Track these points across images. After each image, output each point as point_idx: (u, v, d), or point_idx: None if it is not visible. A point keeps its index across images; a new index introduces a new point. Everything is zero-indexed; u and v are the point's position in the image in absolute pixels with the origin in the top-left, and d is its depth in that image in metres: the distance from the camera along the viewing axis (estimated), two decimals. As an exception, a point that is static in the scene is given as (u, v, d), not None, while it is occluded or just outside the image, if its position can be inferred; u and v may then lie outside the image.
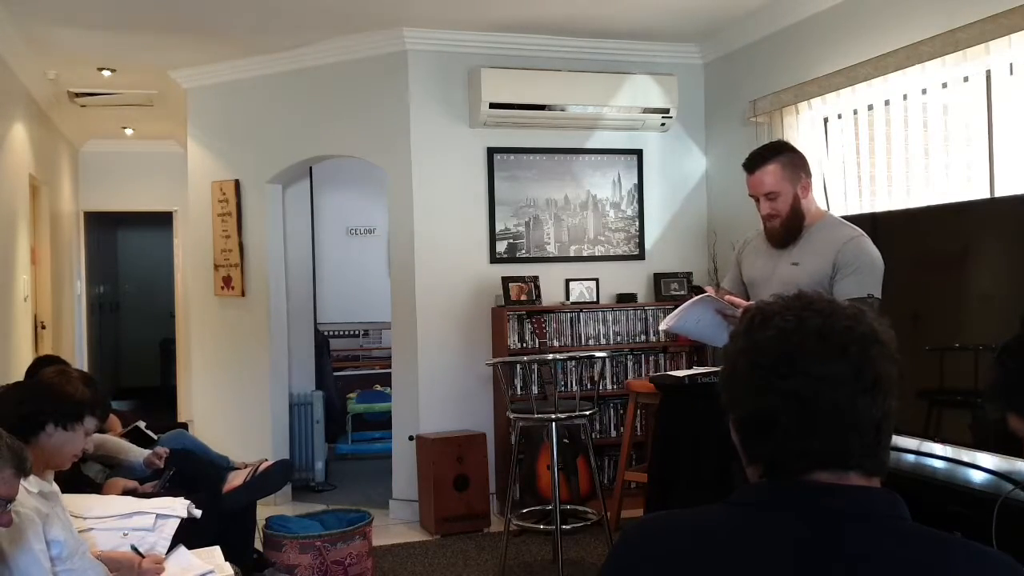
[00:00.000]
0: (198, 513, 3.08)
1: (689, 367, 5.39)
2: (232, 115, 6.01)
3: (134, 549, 2.81)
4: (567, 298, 5.57)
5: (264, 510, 4.46)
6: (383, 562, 4.59)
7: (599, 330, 5.49)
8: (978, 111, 3.72)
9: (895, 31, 4.12)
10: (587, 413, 4.44)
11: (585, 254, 5.69)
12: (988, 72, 3.67)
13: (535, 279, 5.47)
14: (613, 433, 5.50)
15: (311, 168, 6.39)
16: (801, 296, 1.18)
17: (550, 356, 4.89)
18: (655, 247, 5.78)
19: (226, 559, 2.98)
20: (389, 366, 5.77)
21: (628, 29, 5.34)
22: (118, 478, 3.68)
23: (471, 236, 5.47)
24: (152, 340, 10.64)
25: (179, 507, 3.05)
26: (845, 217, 4.31)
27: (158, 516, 2.97)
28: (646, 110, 5.49)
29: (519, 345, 5.35)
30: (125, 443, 3.91)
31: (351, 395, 7.54)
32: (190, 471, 3.85)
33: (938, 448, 3.25)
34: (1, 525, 2.07)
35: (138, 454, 3.83)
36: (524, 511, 4.86)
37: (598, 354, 4.84)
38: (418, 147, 5.36)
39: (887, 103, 4.22)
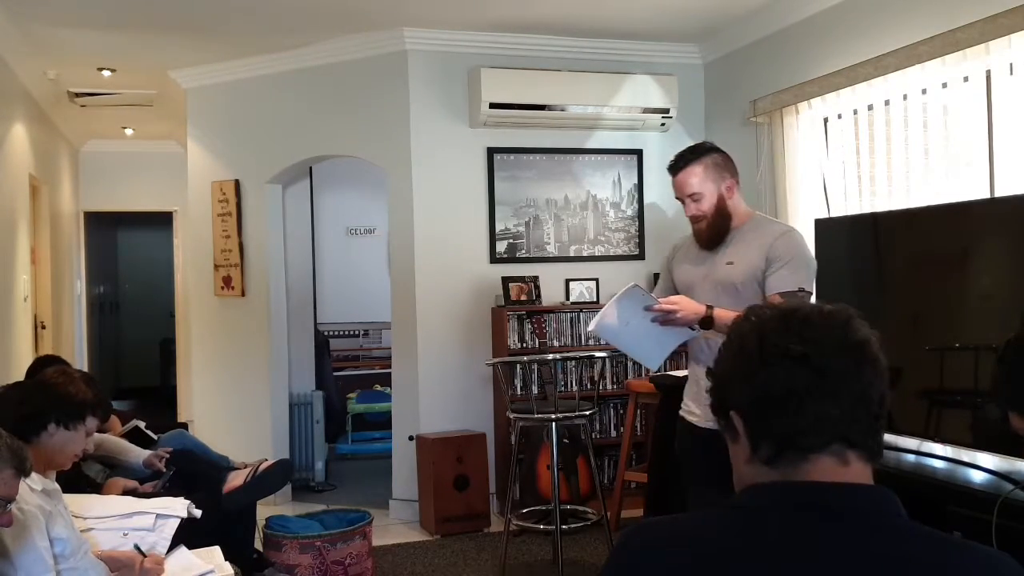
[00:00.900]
0: (198, 513, 3.08)
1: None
2: (232, 115, 6.02)
3: (137, 548, 2.81)
4: (567, 298, 5.58)
5: (264, 510, 4.46)
6: (383, 562, 4.59)
7: (599, 330, 5.49)
8: (978, 111, 3.72)
9: (895, 31, 4.12)
10: (587, 413, 4.44)
11: (585, 254, 5.69)
12: (988, 72, 3.68)
13: (535, 279, 5.47)
14: (613, 433, 5.50)
15: (311, 168, 6.39)
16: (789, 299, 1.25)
17: (550, 356, 4.89)
18: (655, 247, 5.78)
19: (226, 559, 2.98)
20: (389, 366, 5.77)
21: (628, 29, 5.34)
22: (118, 478, 3.69)
23: (471, 236, 5.47)
24: (152, 340, 10.64)
25: (179, 507, 3.05)
26: (845, 217, 4.33)
27: (158, 516, 2.97)
28: (646, 110, 5.50)
29: (519, 345, 5.35)
30: (125, 443, 3.91)
31: (351, 395, 7.54)
32: (190, 471, 3.85)
33: (938, 448, 3.26)
34: (1, 525, 2.08)
35: (138, 455, 3.83)
36: (524, 511, 4.86)
37: (598, 354, 4.84)
38: (418, 147, 5.36)
39: (887, 103, 4.22)
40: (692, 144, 3.15)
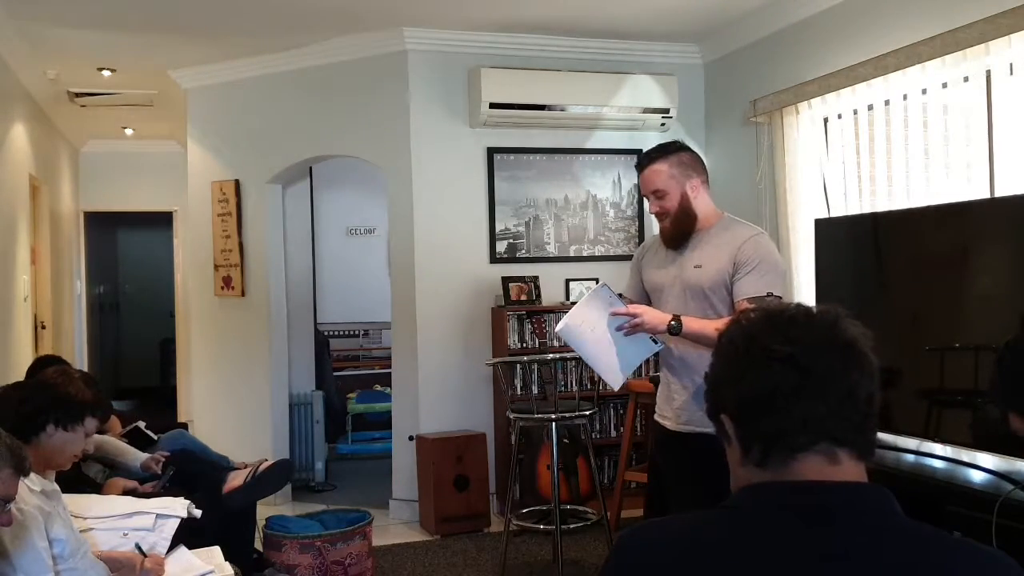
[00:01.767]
0: (198, 513, 3.09)
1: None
2: (232, 115, 6.02)
3: (137, 548, 2.81)
4: (567, 298, 5.57)
5: (264, 510, 4.46)
6: (383, 562, 4.59)
7: (599, 330, 5.48)
8: (978, 111, 3.72)
9: (895, 31, 4.12)
10: (587, 413, 4.44)
11: (585, 254, 5.69)
12: (988, 72, 3.67)
13: (535, 279, 5.47)
14: (613, 433, 5.50)
15: (311, 168, 6.39)
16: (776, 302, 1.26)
17: (550, 356, 4.88)
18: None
19: (226, 559, 2.98)
20: (389, 366, 5.77)
21: (628, 29, 5.34)
22: (118, 478, 3.69)
23: (471, 236, 5.47)
24: (152, 340, 10.64)
25: (179, 507, 3.05)
26: (845, 217, 4.33)
27: (158, 516, 2.97)
28: (646, 110, 5.49)
29: (519, 345, 5.35)
30: (124, 445, 3.91)
31: (351, 395, 7.54)
32: (190, 471, 3.85)
33: (938, 448, 3.25)
34: (1, 525, 2.08)
35: (136, 456, 3.83)
36: (524, 511, 4.86)
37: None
38: (418, 147, 5.36)
39: (887, 103, 4.22)
40: (662, 142, 3.15)
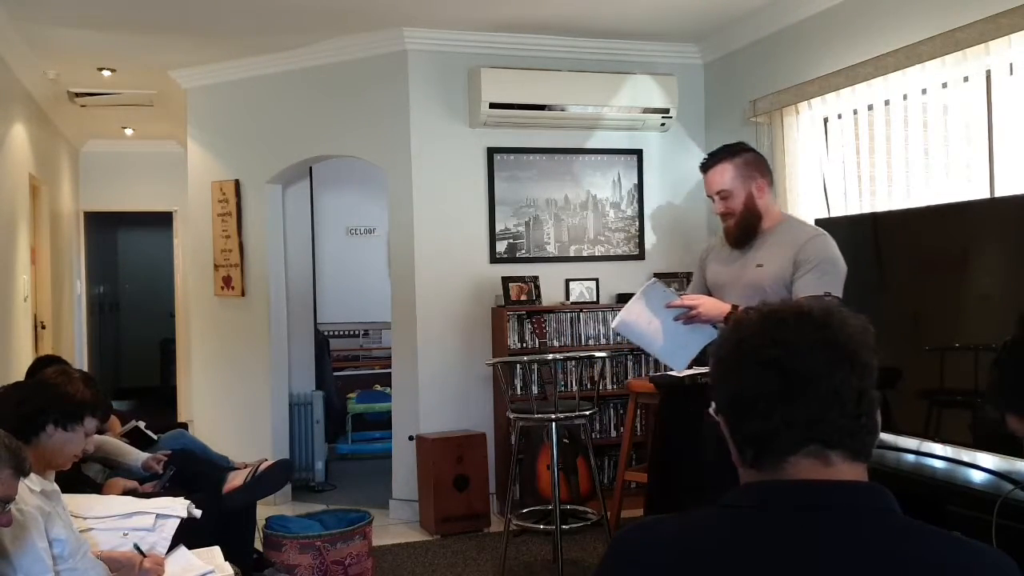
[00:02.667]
0: (198, 513, 3.08)
1: (689, 367, 5.38)
2: (232, 115, 6.02)
3: (136, 548, 2.81)
4: (567, 298, 5.57)
5: (264, 510, 4.46)
6: (383, 562, 4.59)
7: (599, 330, 5.49)
8: (978, 111, 3.72)
9: (895, 31, 4.12)
10: (587, 413, 4.44)
11: (585, 254, 5.69)
12: (988, 72, 3.67)
13: (535, 279, 5.47)
14: (613, 433, 5.50)
15: (311, 168, 6.39)
16: (785, 300, 1.26)
17: (550, 356, 4.89)
18: (655, 247, 5.79)
19: (226, 559, 2.98)
20: (389, 366, 5.77)
21: (628, 29, 5.34)
22: (118, 478, 3.69)
23: (471, 236, 5.47)
24: (152, 340, 10.64)
25: (179, 507, 3.05)
26: (845, 217, 4.33)
27: (158, 516, 2.97)
28: (646, 110, 5.49)
29: (519, 345, 5.35)
30: (124, 445, 3.91)
31: (351, 395, 7.54)
32: (190, 471, 3.85)
33: (938, 448, 3.25)
34: (1, 525, 2.08)
35: (136, 456, 3.83)
36: (524, 511, 4.86)
37: (598, 354, 4.84)
38: (418, 147, 5.36)
39: (887, 103, 4.21)
40: (726, 144, 3.20)
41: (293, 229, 6.25)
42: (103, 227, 10.16)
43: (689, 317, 2.98)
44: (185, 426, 5.28)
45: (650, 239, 5.78)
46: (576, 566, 4.50)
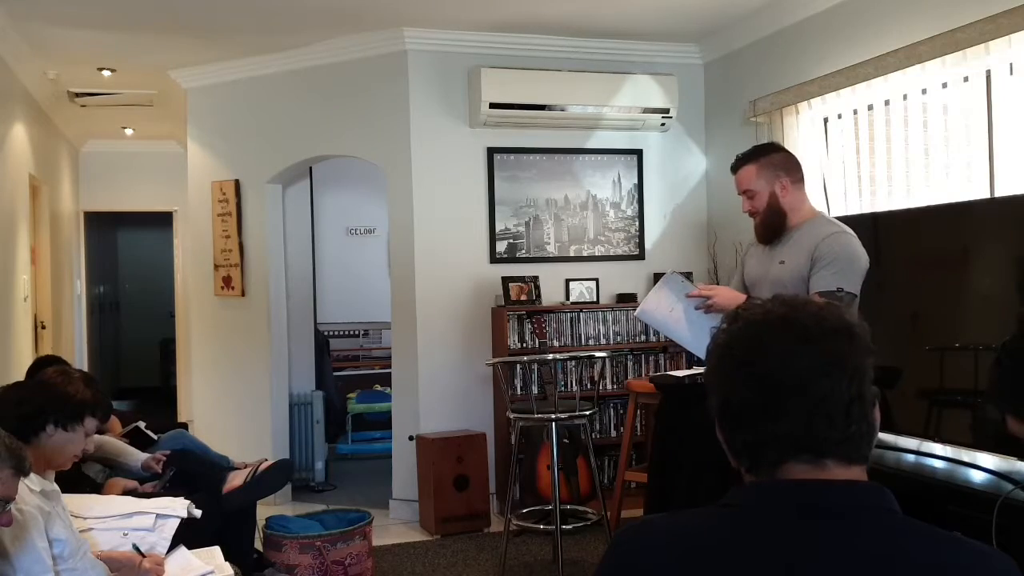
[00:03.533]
0: (198, 513, 3.08)
1: (689, 367, 5.38)
2: (232, 115, 6.02)
3: (136, 548, 2.81)
4: (567, 298, 5.57)
5: (264, 510, 4.45)
6: (383, 562, 4.59)
7: (599, 330, 5.49)
8: (978, 111, 3.72)
9: (895, 31, 4.12)
10: (587, 413, 4.44)
11: (585, 254, 5.69)
12: (988, 72, 3.68)
13: (535, 279, 5.47)
14: (613, 433, 5.50)
15: (311, 168, 6.39)
16: (778, 296, 1.22)
17: (550, 356, 4.89)
18: (655, 247, 5.79)
19: (226, 559, 2.98)
20: (389, 366, 5.77)
21: (628, 29, 5.34)
22: (118, 478, 3.69)
23: (471, 236, 5.47)
24: (152, 340, 10.64)
25: (179, 507, 3.05)
26: (845, 217, 4.33)
27: (158, 516, 2.97)
28: (646, 110, 5.49)
29: (519, 345, 5.35)
30: (124, 445, 3.91)
31: (351, 395, 7.54)
32: (190, 471, 3.85)
33: (938, 448, 3.25)
34: (1, 525, 2.07)
35: (136, 457, 3.83)
36: (524, 511, 4.86)
37: (598, 354, 4.84)
38: (418, 147, 5.36)
39: (887, 103, 4.22)
40: (758, 144, 3.36)
41: (293, 229, 6.25)
42: (103, 227, 10.16)
43: (707, 307, 3.11)
44: (185, 426, 5.27)
45: (650, 239, 5.78)
46: (576, 566, 4.50)
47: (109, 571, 2.55)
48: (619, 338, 5.51)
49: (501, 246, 5.52)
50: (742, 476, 1.19)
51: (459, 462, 5.16)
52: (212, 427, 5.98)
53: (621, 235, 5.74)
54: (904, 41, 4.00)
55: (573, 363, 5.38)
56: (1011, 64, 3.54)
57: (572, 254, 5.66)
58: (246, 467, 3.96)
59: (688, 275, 3.24)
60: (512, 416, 4.52)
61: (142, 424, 4.37)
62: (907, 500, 1.15)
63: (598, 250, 5.71)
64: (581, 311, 5.48)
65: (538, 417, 4.39)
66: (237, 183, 5.95)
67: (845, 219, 4.22)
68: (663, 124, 5.60)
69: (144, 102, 6.89)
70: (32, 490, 2.34)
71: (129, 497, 3.30)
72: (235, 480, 3.85)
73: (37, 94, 6.37)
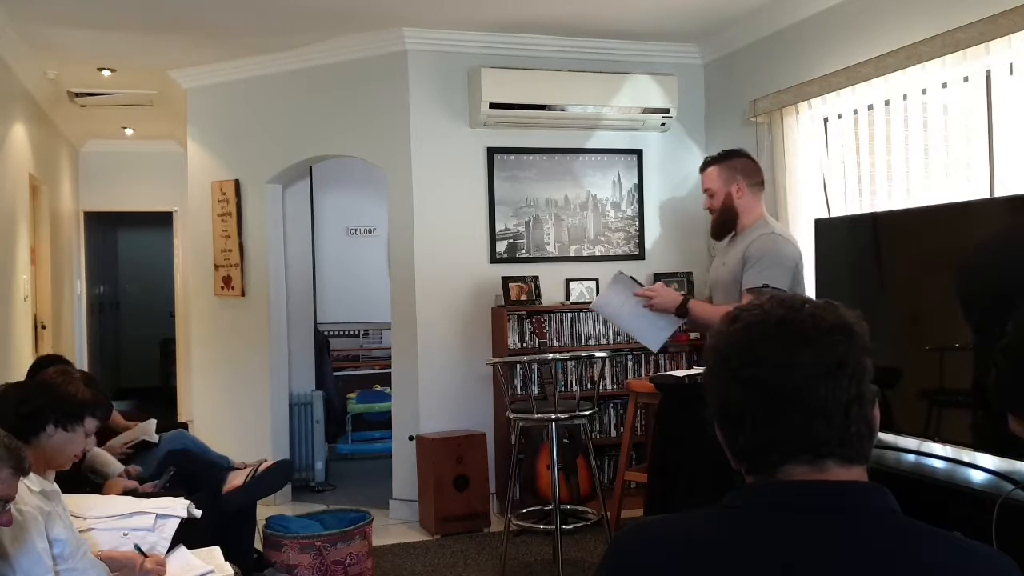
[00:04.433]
0: (198, 513, 3.09)
1: (689, 367, 5.38)
2: (232, 115, 6.02)
3: (137, 548, 2.81)
4: (567, 298, 5.57)
5: (264, 510, 4.46)
6: (383, 562, 4.59)
7: (599, 330, 5.49)
8: (978, 111, 3.72)
9: (895, 31, 4.12)
10: (587, 413, 4.44)
11: (585, 254, 5.69)
12: (988, 72, 3.67)
13: (535, 279, 5.47)
14: (613, 433, 5.50)
15: (311, 168, 6.39)
16: (775, 296, 1.22)
17: (550, 356, 4.89)
18: (655, 247, 5.79)
19: (226, 559, 2.98)
20: (389, 366, 5.77)
21: (628, 29, 5.34)
22: (119, 478, 3.69)
23: (471, 236, 5.47)
24: (152, 340, 10.64)
25: (179, 507, 3.05)
26: (845, 217, 4.33)
27: (158, 516, 2.97)
28: (646, 110, 5.49)
29: (519, 345, 5.35)
30: (105, 454, 3.87)
31: (351, 395, 7.53)
32: (190, 471, 3.85)
33: (938, 448, 3.25)
34: (1, 525, 2.08)
35: (116, 468, 3.79)
36: (524, 511, 4.86)
37: (598, 354, 4.84)
38: (418, 147, 5.36)
39: (887, 103, 4.21)
40: (725, 149, 3.61)
41: (293, 229, 6.25)
42: (103, 227, 10.16)
43: (649, 306, 3.39)
44: (185, 426, 5.28)
45: (650, 239, 5.78)
46: (576, 566, 4.50)
47: (109, 571, 2.55)
48: (619, 338, 5.51)
49: (501, 246, 5.52)
50: (742, 477, 1.19)
51: (459, 462, 5.16)
52: (212, 427, 5.98)
53: (621, 235, 5.74)
54: (904, 41, 4.00)
55: (573, 363, 5.38)
56: (1011, 64, 3.54)
57: (572, 254, 5.66)
58: (246, 467, 3.96)
59: (633, 277, 3.64)
60: (512, 416, 4.52)
61: (149, 427, 4.34)
62: (907, 500, 1.15)
63: (598, 250, 5.71)
64: (581, 311, 5.47)
65: (538, 417, 4.39)
66: (237, 183, 5.95)
67: (845, 219, 4.23)
68: (663, 124, 5.60)
69: (144, 102, 6.89)
70: (32, 490, 2.34)
71: (129, 497, 3.30)
72: (235, 480, 3.85)
73: (37, 94, 6.37)
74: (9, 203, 5.48)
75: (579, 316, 5.47)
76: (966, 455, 3.09)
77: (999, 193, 3.61)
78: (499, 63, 5.34)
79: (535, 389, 4.94)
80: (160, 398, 9.61)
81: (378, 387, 7.63)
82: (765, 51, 5.16)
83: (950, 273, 3.32)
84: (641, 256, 5.76)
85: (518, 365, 5.20)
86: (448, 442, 5.19)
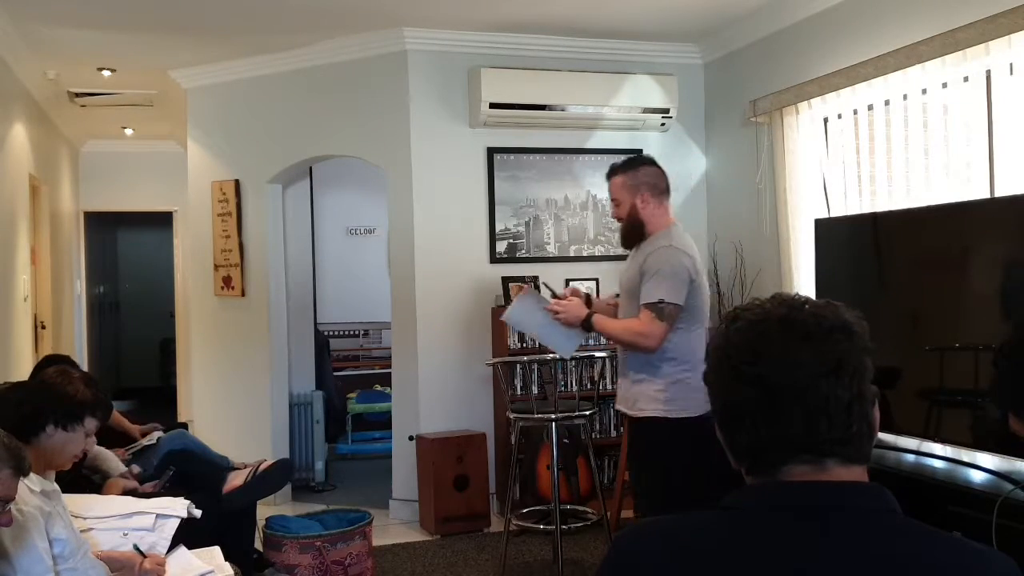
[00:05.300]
0: (198, 513, 3.08)
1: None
2: (232, 115, 6.01)
3: (136, 548, 2.81)
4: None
5: (264, 510, 4.46)
6: (383, 562, 4.59)
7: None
8: (978, 111, 3.72)
9: (895, 31, 4.12)
10: (587, 413, 4.44)
11: (585, 254, 5.69)
12: (988, 72, 3.67)
13: (535, 279, 5.46)
14: (613, 433, 5.50)
15: (311, 168, 6.39)
16: (776, 295, 1.21)
17: (550, 356, 4.88)
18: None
19: (226, 559, 2.98)
20: (389, 366, 5.77)
21: (628, 29, 5.33)
22: (119, 478, 3.69)
23: (471, 236, 5.47)
24: (152, 340, 10.64)
25: (179, 507, 3.05)
26: (845, 217, 4.33)
27: (158, 516, 2.97)
28: (646, 110, 5.49)
29: (519, 345, 5.35)
30: (107, 453, 3.86)
31: (351, 395, 7.53)
32: (190, 471, 3.85)
33: (938, 448, 3.25)
34: (1, 525, 2.08)
35: (117, 465, 3.79)
36: (524, 511, 4.86)
37: (598, 354, 4.84)
38: (418, 147, 5.36)
39: (887, 103, 4.21)
40: (631, 157, 3.63)
41: (293, 229, 6.25)
42: (103, 227, 10.15)
43: (556, 319, 3.46)
44: (185, 426, 5.27)
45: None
46: (576, 566, 4.50)
47: (109, 571, 2.55)
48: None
49: (501, 246, 5.52)
50: (742, 477, 1.19)
51: (459, 462, 5.16)
52: (212, 427, 5.98)
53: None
54: (904, 41, 4.00)
55: (573, 363, 5.37)
56: (1011, 64, 3.54)
57: (572, 254, 5.66)
58: (246, 467, 3.96)
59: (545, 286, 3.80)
60: (512, 416, 4.52)
61: (154, 435, 4.34)
62: (907, 500, 1.15)
63: (598, 250, 5.71)
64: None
65: (538, 417, 4.39)
66: (237, 183, 5.95)
67: (845, 219, 4.23)
68: (663, 124, 5.60)
69: (144, 102, 6.89)
70: (32, 490, 2.34)
71: (129, 497, 3.30)
72: (235, 480, 3.85)
73: (37, 94, 6.37)
74: (9, 203, 5.48)
75: (579, 316, 5.46)
76: (966, 455, 3.09)
77: (999, 193, 3.61)
78: (499, 63, 5.34)
79: (535, 389, 4.93)
80: (160, 398, 9.60)
81: (378, 387, 7.63)
82: (765, 51, 5.16)
83: (950, 273, 3.32)
84: (641, 256, 5.75)
85: (518, 365, 5.20)
86: (448, 442, 5.19)
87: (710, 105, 5.79)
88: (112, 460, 3.80)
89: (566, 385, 5.38)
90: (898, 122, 4.14)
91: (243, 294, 5.96)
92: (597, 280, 5.61)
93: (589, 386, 5.34)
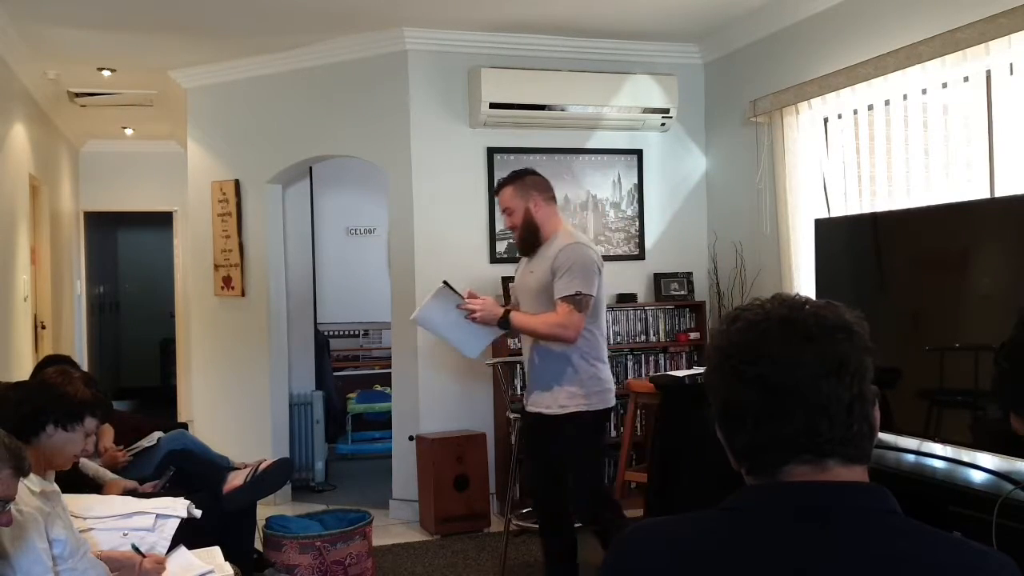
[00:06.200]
0: (198, 513, 3.09)
1: (689, 367, 5.38)
2: (232, 115, 6.01)
3: (135, 548, 2.81)
4: (567, 298, 5.56)
5: (264, 510, 4.45)
6: (383, 562, 4.59)
7: (599, 330, 5.48)
8: (978, 111, 3.72)
9: (895, 31, 4.12)
10: (587, 413, 4.43)
11: (585, 254, 5.67)
12: (988, 72, 3.67)
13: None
14: (613, 433, 5.49)
15: (311, 168, 6.39)
16: (777, 295, 1.21)
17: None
18: (655, 247, 5.78)
19: (226, 559, 2.98)
20: (389, 366, 5.77)
21: (628, 29, 5.33)
22: (119, 478, 3.69)
23: (471, 236, 5.47)
24: (152, 340, 10.64)
25: (179, 507, 3.05)
26: (845, 217, 4.33)
27: (158, 516, 2.98)
28: (646, 110, 5.49)
29: (519, 345, 5.34)
30: (97, 467, 3.85)
31: (351, 395, 7.53)
32: (190, 471, 3.85)
33: (938, 448, 3.25)
34: (1, 525, 2.07)
35: (108, 476, 3.78)
36: (524, 511, 4.86)
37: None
38: (418, 147, 5.36)
39: (887, 103, 4.21)
40: (515, 170, 3.81)
41: (293, 229, 6.25)
42: (103, 227, 10.15)
43: (471, 318, 3.51)
44: (185, 426, 5.27)
45: (650, 239, 5.77)
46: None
47: (109, 571, 2.55)
48: (619, 338, 5.51)
49: (501, 246, 5.52)
50: (743, 478, 1.19)
51: (459, 462, 5.16)
52: (212, 427, 5.98)
53: (621, 235, 5.74)
54: (904, 41, 4.00)
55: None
56: (1011, 64, 3.54)
57: (572, 254, 5.65)
58: (246, 467, 3.96)
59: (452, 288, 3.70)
60: (512, 416, 4.51)
61: (152, 438, 4.33)
62: (907, 500, 1.15)
63: (598, 250, 5.69)
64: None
65: (538, 417, 4.38)
66: (237, 183, 5.95)
67: (845, 219, 4.23)
68: (663, 124, 5.60)
69: (144, 102, 6.89)
70: (32, 490, 2.34)
71: (129, 497, 3.30)
72: (235, 480, 3.85)
73: (37, 94, 6.38)
74: (9, 203, 5.48)
75: (579, 316, 5.46)
76: (966, 455, 3.09)
77: (999, 193, 3.61)
78: (499, 63, 5.33)
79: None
80: (160, 398, 9.61)
81: (378, 387, 7.63)
82: (765, 51, 5.16)
83: (950, 273, 3.32)
84: (641, 256, 5.76)
85: (518, 365, 5.19)
86: (448, 442, 5.19)
87: (710, 105, 5.79)
88: (101, 471, 3.79)
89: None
90: (898, 122, 4.14)
91: (243, 294, 5.96)
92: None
93: (589, 386, 5.33)
